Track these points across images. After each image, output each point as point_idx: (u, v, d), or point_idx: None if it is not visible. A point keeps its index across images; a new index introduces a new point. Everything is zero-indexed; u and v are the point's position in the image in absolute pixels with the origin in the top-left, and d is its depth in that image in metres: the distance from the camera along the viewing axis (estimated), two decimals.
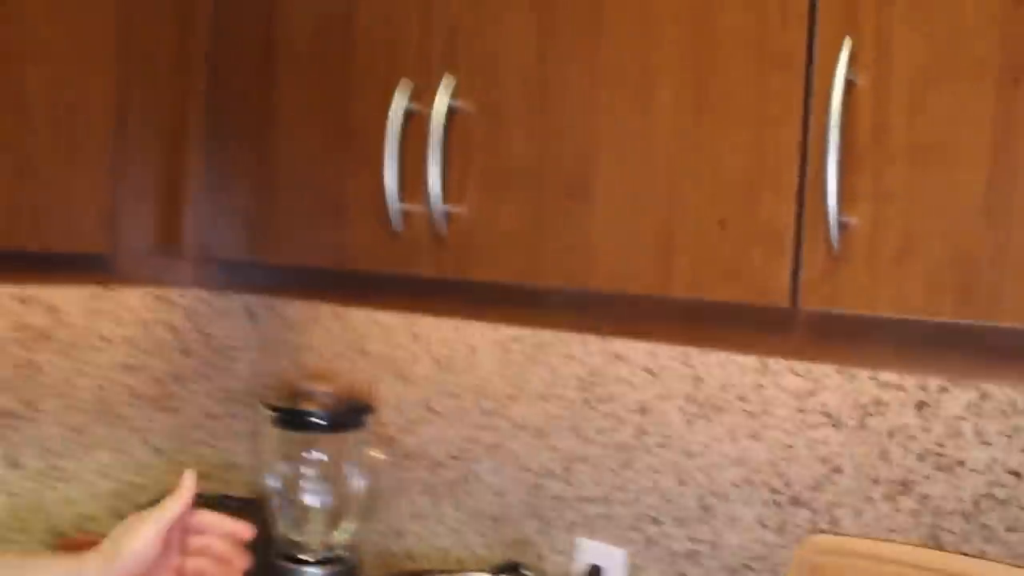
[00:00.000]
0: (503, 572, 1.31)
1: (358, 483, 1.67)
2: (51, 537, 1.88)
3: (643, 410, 1.50)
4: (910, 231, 0.92)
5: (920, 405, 1.27)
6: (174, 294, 2.00)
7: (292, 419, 1.65)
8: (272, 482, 1.68)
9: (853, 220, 0.95)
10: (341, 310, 1.92)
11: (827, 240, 0.96)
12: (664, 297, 1.09)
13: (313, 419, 1.62)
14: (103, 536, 1.84)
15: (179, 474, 1.99)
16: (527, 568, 1.29)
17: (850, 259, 0.96)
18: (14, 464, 1.83)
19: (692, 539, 1.45)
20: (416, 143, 1.25)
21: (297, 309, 2.02)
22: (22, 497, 1.84)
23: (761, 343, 1.06)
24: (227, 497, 1.80)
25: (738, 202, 1.03)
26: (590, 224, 1.14)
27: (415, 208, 1.28)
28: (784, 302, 1.00)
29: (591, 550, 1.55)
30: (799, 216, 0.99)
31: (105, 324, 1.92)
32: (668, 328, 1.13)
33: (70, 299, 1.87)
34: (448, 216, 1.25)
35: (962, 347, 0.93)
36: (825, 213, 0.95)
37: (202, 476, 2.01)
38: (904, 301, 0.93)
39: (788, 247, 0.99)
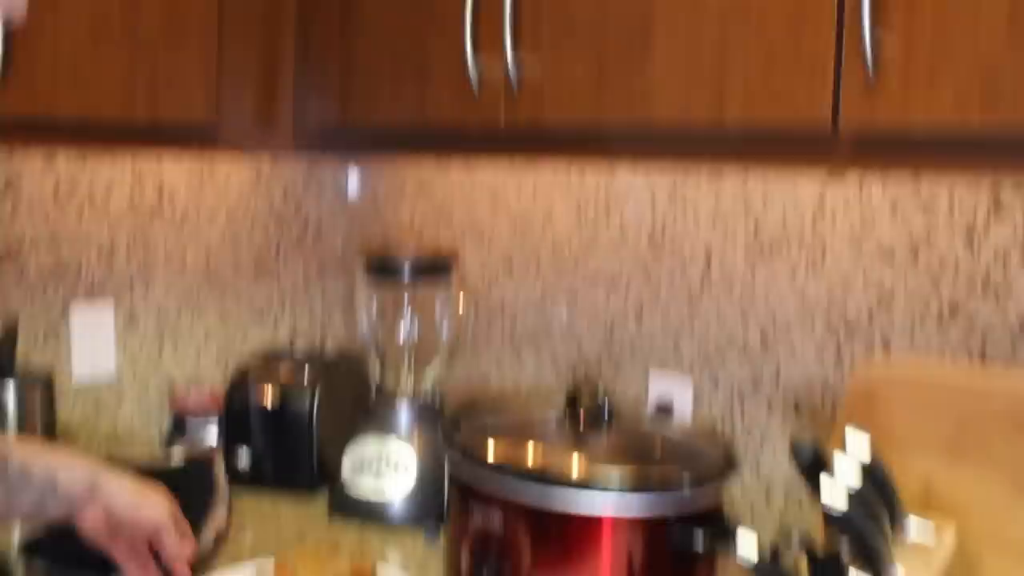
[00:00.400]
0: (575, 394, 1.43)
1: (444, 330, 1.80)
2: (165, 391, 2.05)
3: (708, 254, 1.60)
4: (939, 49, 1.01)
5: (969, 236, 1.35)
6: (271, 170, 2.14)
7: (382, 267, 1.78)
8: (365, 332, 1.83)
9: (887, 43, 1.04)
10: (427, 180, 2.05)
11: (863, 63, 1.05)
12: (718, 128, 1.19)
13: (401, 267, 1.76)
14: (212, 388, 2.03)
15: (278, 334, 2.17)
16: (599, 377, 1.41)
17: (885, 80, 1.05)
18: (134, 325, 2.00)
19: (754, 371, 1.56)
20: (491, 2, 1.36)
21: (385, 182, 2.15)
22: (141, 354, 2.02)
23: (807, 164, 1.16)
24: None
25: (783, 36, 1.12)
26: (651, 67, 1.25)
27: (490, 62, 1.38)
28: (826, 124, 1.10)
29: (661, 386, 1.67)
30: (838, 44, 1.08)
31: (208, 199, 2.07)
32: (723, 158, 1.23)
33: (177, 176, 2.02)
34: (520, 68, 1.36)
35: (989, 153, 1.02)
36: (861, 39, 1.04)
37: (300, 338, 2.18)
38: (936, 114, 1.02)
39: (829, 73, 1.09)
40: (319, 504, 1.81)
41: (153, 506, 1.21)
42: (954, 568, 1.05)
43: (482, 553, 1.33)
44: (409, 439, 1.73)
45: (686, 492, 1.28)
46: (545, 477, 1.27)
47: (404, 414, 1.75)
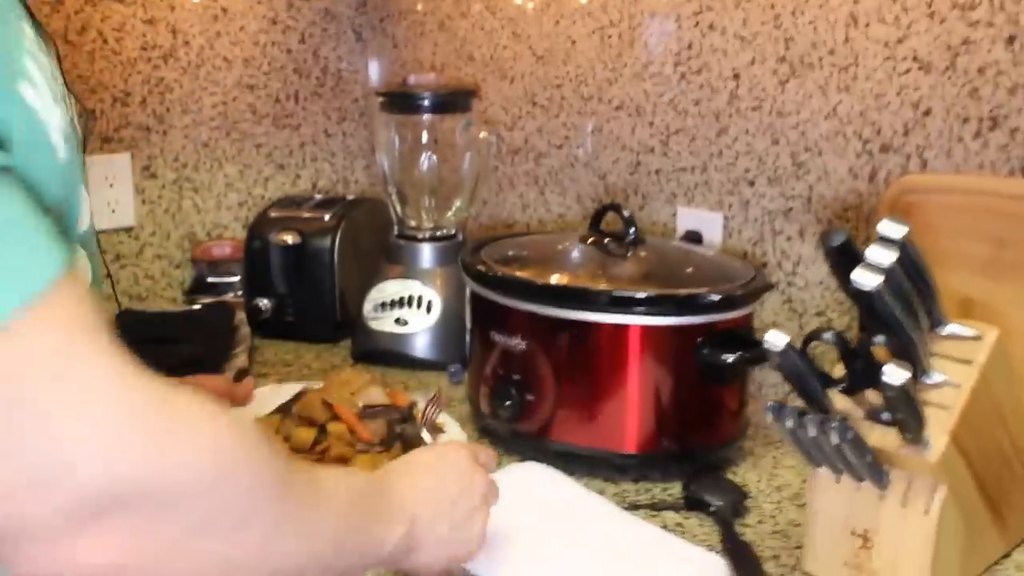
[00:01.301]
0: (600, 216, 1.38)
1: (467, 165, 1.75)
2: (186, 242, 2.02)
3: (736, 76, 1.54)
4: None
5: (1010, 40, 1.28)
6: (287, 15, 2.08)
7: (402, 102, 1.73)
8: (386, 170, 1.78)
9: None
10: (447, 21, 1.98)
11: None
12: None
13: (421, 101, 1.70)
14: (232, 240, 2.00)
15: (298, 185, 2.14)
16: (624, 208, 1.36)
17: None
18: (151, 175, 1.96)
19: (786, 196, 1.51)
20: None
21: (403, 28, 2.08)
22: (159, 205, 1.98)
23: None
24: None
25: None
26: None
27: None
28: None
29: (690, 217, 1.62)
30: None
31: (224, 46, 2.01)
32: None
33: (191, 21, 1.96)
34: None
35: None
36: None
37: (321, 189, 2.14)
38: None
39: None
40: (342, 352, 1.79)
41: None
42: (994, 373, 1.00)
43: (505, 378, 1.30)
44: (431, 279, 1.70)
45: (716, 309, 1.23)
46: (570, 292, 1.23)
47: (426, 253, 1.71)
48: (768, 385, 1.56)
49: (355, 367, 1.69)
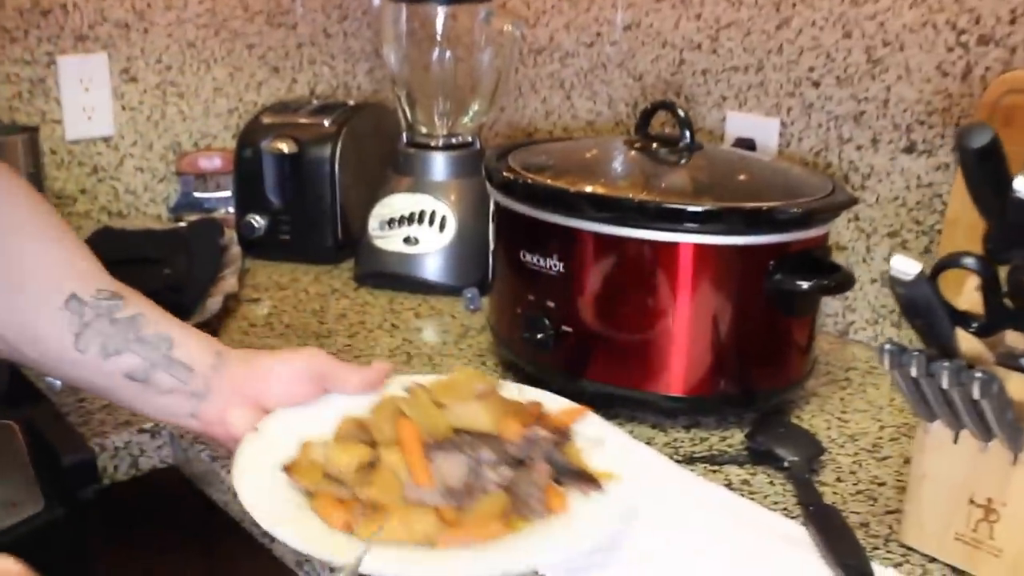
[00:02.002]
0: (649, 117, 1.18)
1: (486, 63, 1.54)
2: (171, 153, 1.82)
3: None
4: None
5: None
6: None
7: None
8: (394, 68, 1.57)
9: None
10: None
11: None
12: None
13: None
14: (222, 151, 1.79)
15: (295, 91, 1.92)
16: (679, 107, 1.16)
17: None
18: (131, 78, 1.75)
19: (857, 98, 1.30)
20: None
21: None
22: (140, 112, 1.78)
23: None
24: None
25: None
26: None
27: None
28: None
29: (741, 123, 1.41)
30: None
31: None
32: None
33: None
34: None
35: None
36: None
37: (320, 95, 1.93)
38: None
39: None
40: (343, 274, 1.59)
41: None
42: None
43: (537, 306, 1.10)
44: (445, 192, 1.50)
45: (793, 226, 1.04)
46: (621, 203, 1.03)
47: (439, 163, 1.51)
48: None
49: (357, 291, 1.50)
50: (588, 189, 1.06)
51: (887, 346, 0.75)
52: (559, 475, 0.84)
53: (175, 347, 0.89)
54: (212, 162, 1.80)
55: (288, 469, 0.83)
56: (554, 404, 0.95)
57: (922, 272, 0.73)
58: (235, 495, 0.81)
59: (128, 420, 1.10)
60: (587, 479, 0.84)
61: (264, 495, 0.80)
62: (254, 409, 0.91)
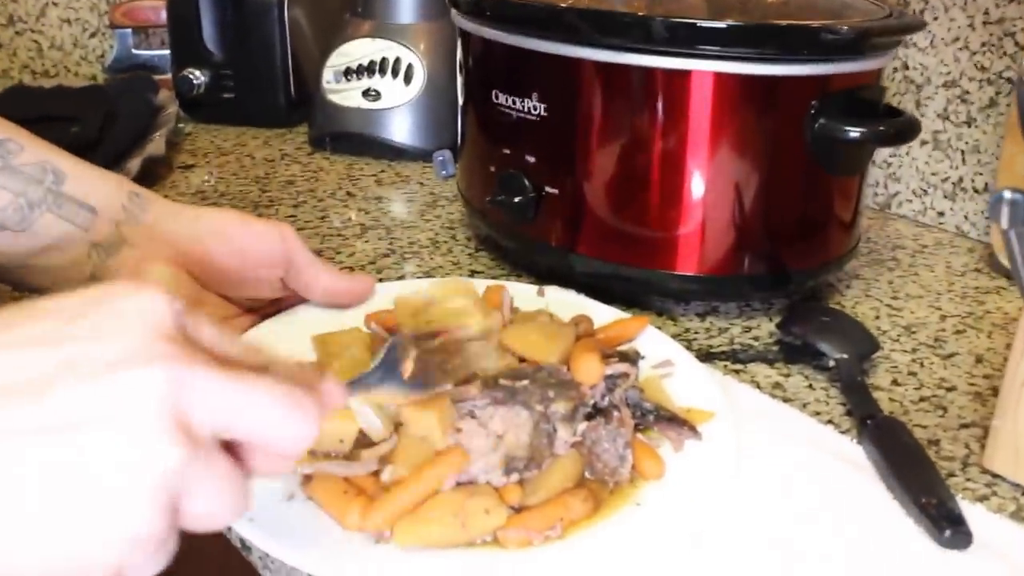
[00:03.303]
0: None
1: None
2: (103, 2, 1.57)
3: None
4: None
5: None
6: None
7: None
8: None
9: None
10: None
11: None
12: None
13: None
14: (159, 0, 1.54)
15: None
16: None
17: None
18: None
19: None
20: None
21: None
22: None
23: None
24: None
25: None
26: None
27: None
28: None
29: None
30: None
31: None
32: None
33: None
34: None
35: None
36: None
37: None
38: None
39: None
40: (297, 138, 1.36)
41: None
42: None
43: (514, 160, 0.87)
44: (412, 37, 1.25)
45: (842, 53, 0.79)
46: (617, 20, 0.79)
47: (405, 4, 1.26)
48: None
49: (312, 156, 1.27)
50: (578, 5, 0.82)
51: (1008, 194, 0.52)
52: (638, 419, 0.62)
53: (67, 181, 0.66)
54: (153, 13, 1.55)
55: None
56: (598, 313, 0.74)
57: None
58: None
59: None
60: (679, 423, 0.61)
61: None
62: (180, 270, 0.68)
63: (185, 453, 0.36)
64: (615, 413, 0.59)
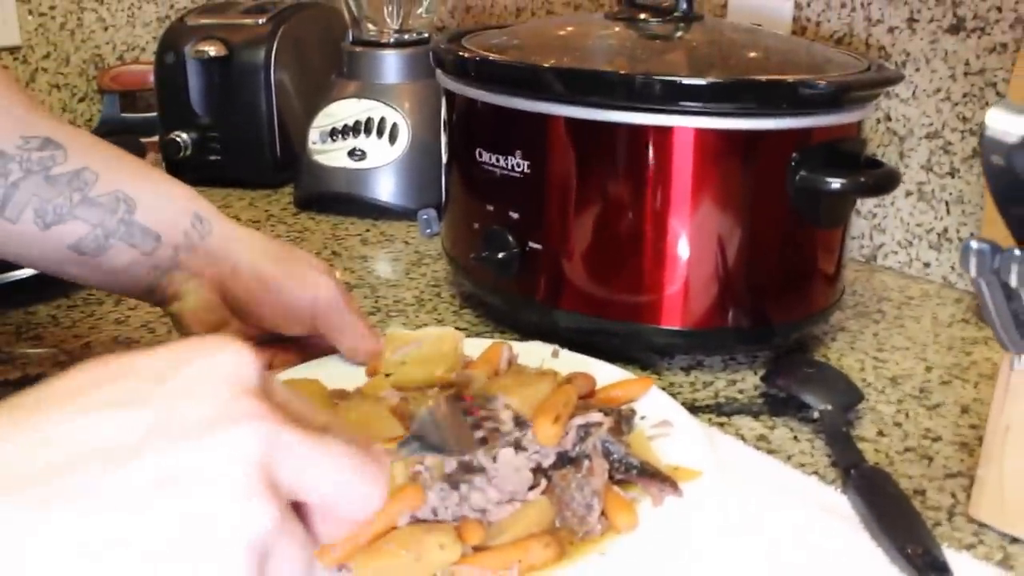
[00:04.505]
0: None
1: None
2: (92, 68, 1.59)
3: None
4: None
5: None
6: None
7: None
8: None
9: None
10: None
11: None
12: None
13: None
14: (146, 65, 1.55)
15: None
16: None
17: None
18: None
19: None
20: None
21: None
22: (52, 18, 1.54)
23: None
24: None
25: None
26: None
27: None
28: None
29: (747, 1, 1.18)
30: None
31: None
32: None
33: None
34: None
35: None
36: None
37: None
38: None
39: None
40: (283, 199, 1.37)
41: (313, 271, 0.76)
42: None
43: (498, 217, 0.87)
44: (397, 97, 1.26)
45: (822, 106, 0.80)
46: (600, 79, 0.80)
47: (390, 64, 1.28)
48: None
49: (297, 216, 1.27)
50: (559, 67, 0.83)
51: (974, 243, 0.52)
52: (621, 474, 0.61)
53: (138, 209, 0.69)
54: (140, 78, 1.57)
55: None
56: (603, 373, 0.73)
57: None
58: None
59: None
60: (660, 479, 0.61)
61: None
62: (213, 294, 0.72)
63: (277, 513, 0.36)
64: (586, 462, 0.59)
